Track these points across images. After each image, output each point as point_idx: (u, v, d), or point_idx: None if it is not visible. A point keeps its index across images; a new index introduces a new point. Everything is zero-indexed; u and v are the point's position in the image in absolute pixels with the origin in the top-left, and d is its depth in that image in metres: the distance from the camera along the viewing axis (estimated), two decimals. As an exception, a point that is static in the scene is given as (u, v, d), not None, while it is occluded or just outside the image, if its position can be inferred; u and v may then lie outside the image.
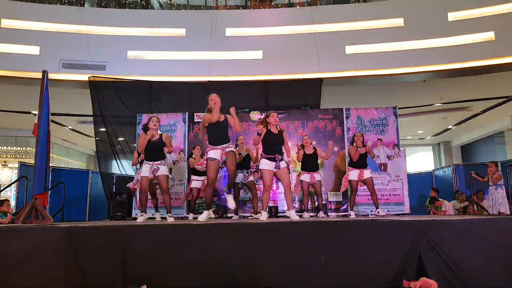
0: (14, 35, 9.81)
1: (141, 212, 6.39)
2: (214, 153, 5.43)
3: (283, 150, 5.74)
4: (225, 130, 5.60)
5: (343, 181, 7.34)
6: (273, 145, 5.58)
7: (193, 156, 7.71)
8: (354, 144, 7.15)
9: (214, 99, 5.47)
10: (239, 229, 4.30)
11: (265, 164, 5.56)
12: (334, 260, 3.97)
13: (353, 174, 7.07)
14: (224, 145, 5.46)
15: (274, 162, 5.53)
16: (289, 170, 5.74)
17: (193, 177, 7.73)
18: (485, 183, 8.54)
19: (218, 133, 5.52)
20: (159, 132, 6.29)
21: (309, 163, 7.30)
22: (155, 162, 6.15)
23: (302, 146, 7.36)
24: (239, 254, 4.03)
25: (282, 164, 5.56)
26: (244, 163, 7.32)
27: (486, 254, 3.98)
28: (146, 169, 6.15)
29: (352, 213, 7.20)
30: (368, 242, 4.06)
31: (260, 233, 4.21)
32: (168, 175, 6.31)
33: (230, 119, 5.53)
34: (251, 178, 7.37)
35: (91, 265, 4.01)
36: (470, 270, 3.89)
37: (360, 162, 7.06)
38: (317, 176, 7.30)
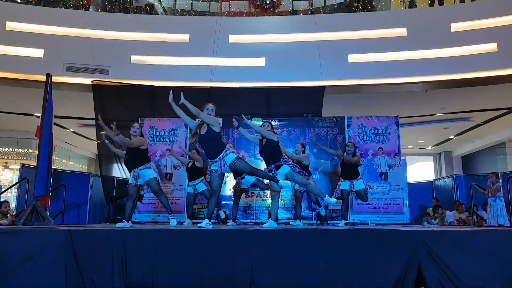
0: (18, 37, 9.82)
1: (124, 219, 5.79)
2: (215, 165, 5.34)
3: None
4: (218, 140, 5.45)
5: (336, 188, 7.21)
6: None
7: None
8: (345, 154, 7.04)
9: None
10: (239, 235, 4.31)
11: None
12: (333, 269, 3.98)
13: (344, 184, 7.03)
14: (221, 156, 5.32)
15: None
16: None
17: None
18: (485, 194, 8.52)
19: (213, 146, 5.39)
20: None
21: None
22: (137, 168, 5.83)
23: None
24: (238, 259, 4.05)
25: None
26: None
27: (485, 266, 3.99)
28: (131, 177, 5.89)
29: (342, 221, 7.00)
30: (368, 252, 4.07)
31: (260, 239, 4.22)
32: (156, 177, 5.86)
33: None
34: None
35: (91, 267, 4.05)
36: (469, 281, 3.89)
37: (349, 173, 6.98)
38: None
